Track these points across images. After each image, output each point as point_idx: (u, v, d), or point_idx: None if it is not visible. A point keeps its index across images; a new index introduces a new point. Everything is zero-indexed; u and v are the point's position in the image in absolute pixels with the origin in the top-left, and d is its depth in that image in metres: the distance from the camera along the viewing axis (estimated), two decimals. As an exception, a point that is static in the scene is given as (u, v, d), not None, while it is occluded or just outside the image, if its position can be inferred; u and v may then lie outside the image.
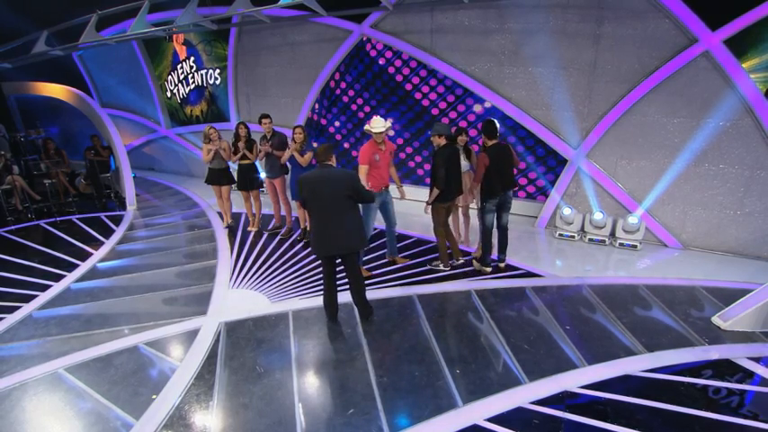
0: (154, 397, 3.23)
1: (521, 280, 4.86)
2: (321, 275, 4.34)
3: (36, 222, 7.31)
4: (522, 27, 5.85)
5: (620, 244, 5.67)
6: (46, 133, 9.32)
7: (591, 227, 5.86)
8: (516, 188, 5.11)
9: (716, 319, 3.98)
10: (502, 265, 5.14)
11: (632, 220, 5.56)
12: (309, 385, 3.36)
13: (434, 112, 7.07)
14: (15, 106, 10.71)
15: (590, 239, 5.85)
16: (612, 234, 5.81)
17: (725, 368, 3.41)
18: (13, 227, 7.13)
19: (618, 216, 5.81)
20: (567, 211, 5.94)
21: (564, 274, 5.02)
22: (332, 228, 3.75)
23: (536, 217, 6.57)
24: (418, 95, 7.12)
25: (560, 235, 6.02)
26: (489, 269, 5.03)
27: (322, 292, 4.21)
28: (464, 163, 5.13)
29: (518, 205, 6.84)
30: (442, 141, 4.71)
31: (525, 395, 3.15)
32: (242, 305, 4.48)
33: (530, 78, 6.04)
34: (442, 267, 5.13)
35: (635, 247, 5.59)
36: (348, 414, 3.05)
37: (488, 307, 4.30)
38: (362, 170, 4.63)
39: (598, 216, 5.76)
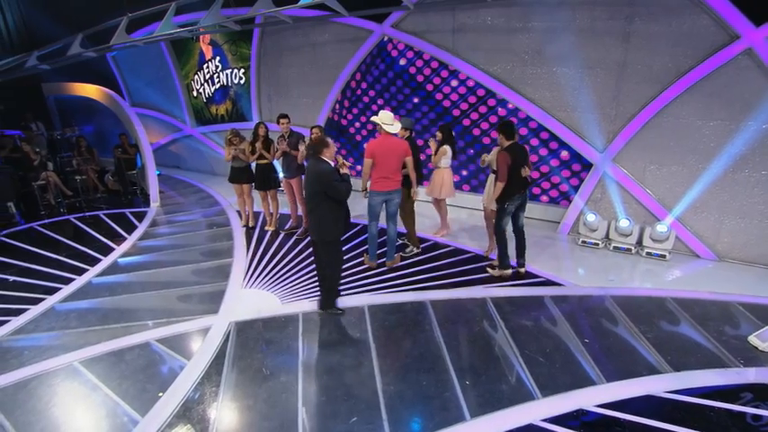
0: (160, 394, 3.24)
1: (539, 288, 4.66)
2: None
3: (66, 217, 7.59)
4: (547, 25, 5.63)
5: (648, 253, 5.37)
6: (80, 131, 9.70)
7: (616, 234, 5.58)
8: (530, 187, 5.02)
9: (753, 339, 3.67)
10: (522, 270, 4.95)
11: (661, 228, 5.24)
12: (314, 390, 3.29)
13: (456, 113, 6.93)
14: (54, 106, 11.23)
15: (615, 248, 5.57)
16: (639, 243, 5.50)
17: (762, 393, 3.13)
18: (45, 221, 7.43)
19: (645, 224, 5.50)
20: (591, 217, 5.67)
21: (586, 283, 4.79)
22: (310, 216, 4.06)
23: (558, 223, 6.32)
24: (439, 96, 7.00)
25: (583, 242, 5.76)
26: (510, 271, 4.86)
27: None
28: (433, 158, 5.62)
29: (540, 210, 6.62)
30: (406, 134, 5.23)
31: (538, 412, 2.98)
32: (253, 305, 4.47)
33: (554, 79, 5.81)
34: (414, 250, 5.61)
35: (663, 256, 5.28)
36: (351, 422, 2.96)
37: (504, 316, 4.14)
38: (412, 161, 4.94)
39: (624, 223, 5.47)
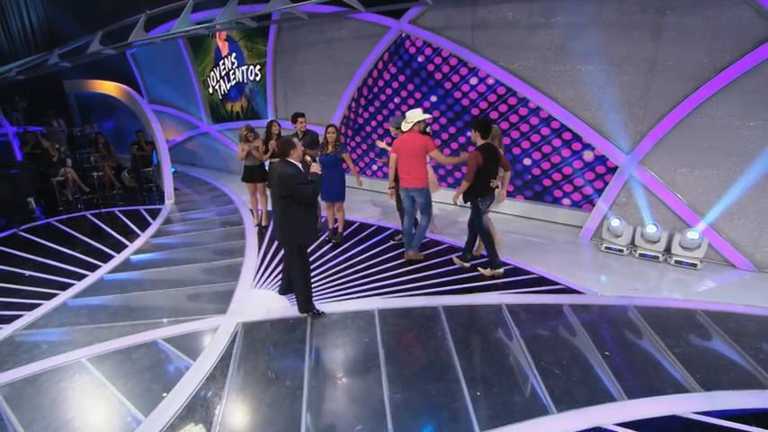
0: (164, 395, 3.27)
1: (558, 296, 4.51)
2: (344, 279, 4.99)
3: (83, 213, 7.80)
4: (572, 20, 5.48)
5: (677, 262, 5.15)
6: (99, 128, 9.99)
7: (642, 241, 5.38)
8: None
9: (792, 357, 3.46)
10: (467, 265, 5.09)
11: (692, 235, 5.01)
12: (319, 396, 3.26)
13: (474, 111, 6.82)
14: (75, 103, 11.59)
15: (641, 255, 5.37)
16: (668, 250, 5.28)
17: (802, 418, 2.93)
18: (63, 216, 7.65)
19: (675, 230, 5.27)
20: (615, 222, 5.48)
21: (608, 292, 4.61)
22: (276, 220, 4.07)
23: (580, 227, 6.14)
24: (458, 94, 6.90)
25: (607, 248, 5.57)
26: (502, 270, 4.94)
27: (344, 297, 4.59)
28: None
29: (561, 214, 6.45)
30: (397, 132, 5.34)
31: (552, 428, 2.87)
32: (262, 306, 4.48)
33: (578, 77, 5.65)
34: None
35: (694, 265, 5.05)
36: (355, 430, 2.91)
37: (519, 324, 4.02)
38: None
39: (651, 229, 5.25)
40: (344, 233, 6.19)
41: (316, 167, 4.09)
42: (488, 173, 4.63)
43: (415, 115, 4.87)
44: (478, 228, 4.89)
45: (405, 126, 4.89)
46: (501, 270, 4.92)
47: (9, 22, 10.69)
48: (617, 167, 5.70)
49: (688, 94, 4.96)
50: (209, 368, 3.55)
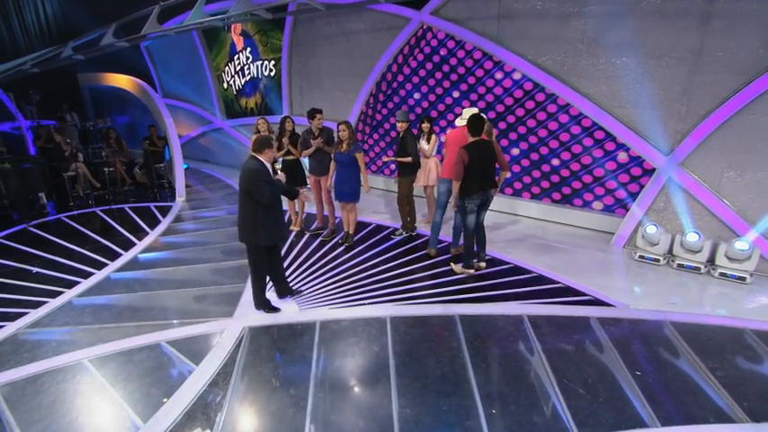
0: (165, 400, 3.30)
1: (585, 308, 4.37)
2: (358, 284, 4.98)
3: (93, 209, 8.03)
4: (607, 9, 5.32)
5: (722, 274, 4.91)
6: (112, 123, 10.27)
7: (681, 250, 5.16)
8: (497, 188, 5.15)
9: None
10: (483, 264, 5.19)
11: (741, 245, 4.77)
12: (324, 407, 3.23)
13: (500, 108, 6.70)
14: (89, 97, 11.97)
15: (679, 265, 5.15)
16: (711, 261, 5.04)
17: None
18: (74, 212, 7.89)
19: (720, 239, 5.03)
20: (651, 229, 5.28)
21: (641, 305, 4.44)
22: (238, 217, 4.19)
23: (612, 234, 5.94)
24: (482, 90, 6.80)
25: (641, 257, 5.37)
26: (473, 270, 5.10)
27: (355, 303, 4.55)
28: (425, 147, 6.03)
29: (591, 219, 6.27)
30: (405, 126, 5.81)
31: (575, 453, 2.76)
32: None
33: (613, 71, 5.48)
34: (404, 234, 6.21)
35: (743, 279, 4.80)
36: (361, 447, 2.88)
37: (541, 337, 3.91)
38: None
39: (692, 238, 5.03)
40: (359, 235, 6.18)
41: (281, 176, 4.29)
42: (476, 171, 4.68)
43: (468, 113, 5.14)
44: (463, 226, 5.03)
45: (460, 122, 5.23)
46: (471, 271, 5.10)
47: (25, 15, 11.13)
48: (654, 170, 5.50)
49: (738, 89, 4.74)
50: (211, 373, 3.57)
